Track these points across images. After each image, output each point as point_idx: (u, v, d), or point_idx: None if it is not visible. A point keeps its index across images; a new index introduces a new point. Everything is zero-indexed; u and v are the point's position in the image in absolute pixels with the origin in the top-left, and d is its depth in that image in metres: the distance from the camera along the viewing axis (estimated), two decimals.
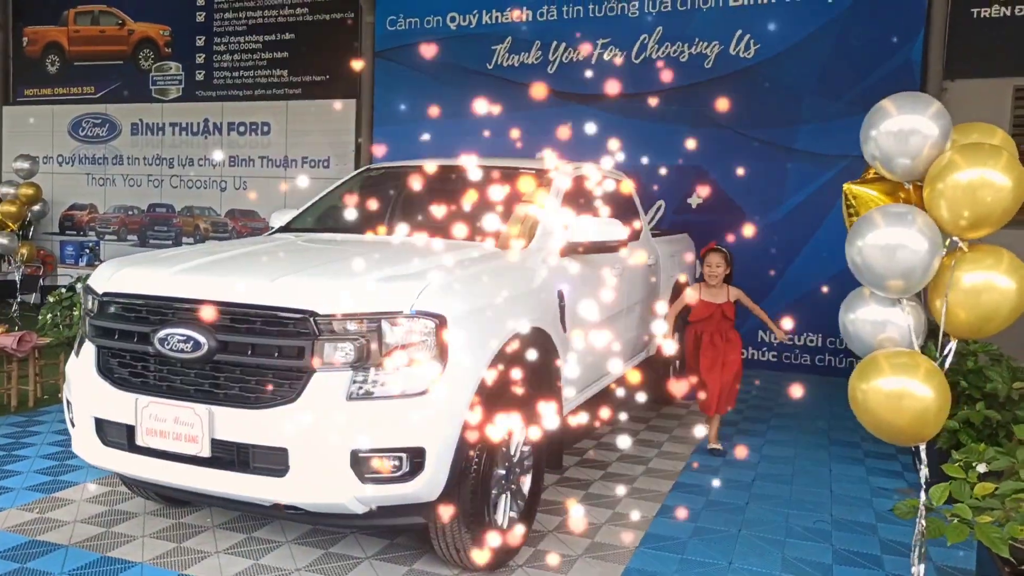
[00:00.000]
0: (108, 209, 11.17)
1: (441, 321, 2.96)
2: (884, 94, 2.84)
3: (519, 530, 3.55)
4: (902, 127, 2.53)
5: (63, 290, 6.45)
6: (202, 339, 2.94)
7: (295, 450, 2.85)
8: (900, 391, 2.38)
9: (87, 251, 11.22)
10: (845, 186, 2.80)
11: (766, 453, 5.30)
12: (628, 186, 5.87)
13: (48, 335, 5.87)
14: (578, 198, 4.78)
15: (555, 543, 3.76)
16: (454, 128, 8.98)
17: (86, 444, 3.26)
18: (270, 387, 2.90)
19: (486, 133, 8.91)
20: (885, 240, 2.44)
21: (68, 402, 3.41)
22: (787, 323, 7.52)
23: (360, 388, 2.88)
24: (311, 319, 2.87)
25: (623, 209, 5.72)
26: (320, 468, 2.86)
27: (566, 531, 3.89)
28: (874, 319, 2.55)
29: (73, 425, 3.34)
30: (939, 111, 2.52)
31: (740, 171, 8.08)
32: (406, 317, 2.92)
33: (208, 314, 2.92)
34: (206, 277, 3.14)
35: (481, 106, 8.95)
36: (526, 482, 3.67)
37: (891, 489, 4.66)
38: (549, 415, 3.82)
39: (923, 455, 2.63)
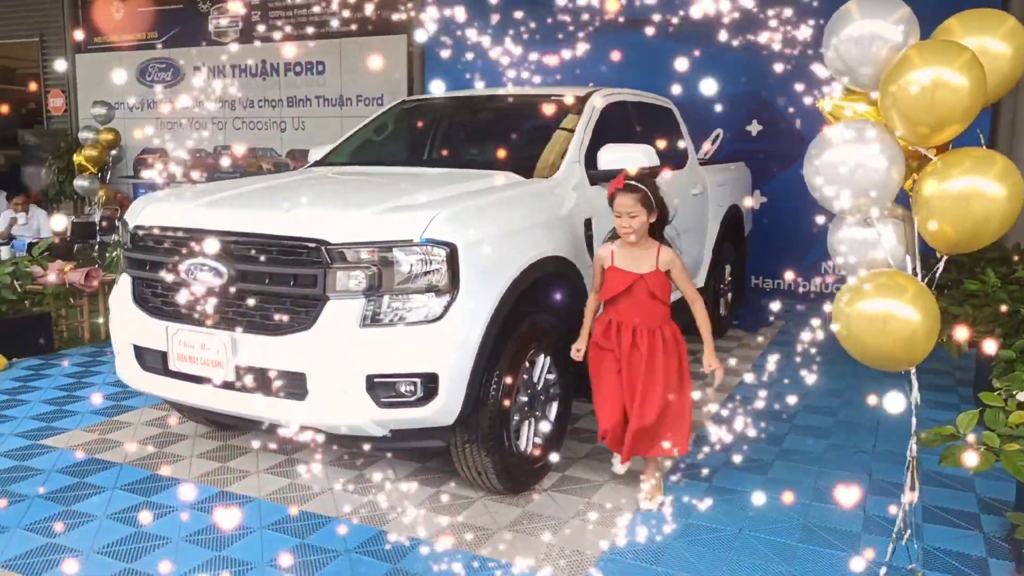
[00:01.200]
0: (177, 152, 11.54)
1: (452, 249, 2.96)
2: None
3: (544, 456, 3.60)
4: (863, 32, 2.31)
5: None
6: (223, 269, 3.04)
7: (313, 375, 2.94)
8: (884, 314, 2.24)
9: None
10: (818, 103, 2.62)
11: (815, 385, 5.17)
12: (672, 112, 5.68)
13: (114, 271, 6.18)
14: (616, 125, 4.65)
15: (584, 469, 3.80)
16: (506, 58, 8.82)
17: (127, 369, 3.46)
18: (287, 314, 2.99)
19: (538, 62, 8.72)
20: (839, 158, 2.27)
21: (113, 332, 3.60)
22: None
23: (373, 315, 2.94)
24: (323, 248, 2.93)
25: (667, 136, 5.54)
26: (337, 392, 2.95)
27: (596, 458, 3.92)
28: (859, 239, 2.39)
29: (117, 352, 3.54)
30: (906, 15, 2.30)
31: (804, 97, 7.69)
32: (417, 245, 2.94)
33: (227, 245, 3.01)
34: (226, 210, 3.23)
35: (533, 35, 8.75)
36: (552, 409, 3.70)
37: (942, 421, 4.48)
38: (575, 344, 3.81)
39: (914, 380, 2.51)
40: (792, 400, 4.84)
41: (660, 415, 3.25)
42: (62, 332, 6.02)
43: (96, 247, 9.77)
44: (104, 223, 10.09)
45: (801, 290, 8.04)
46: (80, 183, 10.11)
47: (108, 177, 10.75)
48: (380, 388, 2.94)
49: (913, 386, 2.48)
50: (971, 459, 2.46)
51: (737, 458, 3.95)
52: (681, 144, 5.68)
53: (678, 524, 3.26)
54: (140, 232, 3.36)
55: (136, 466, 3.79)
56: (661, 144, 5.27)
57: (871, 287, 2.23)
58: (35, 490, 3.50)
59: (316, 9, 10.18)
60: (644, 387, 3.24)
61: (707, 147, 8.27)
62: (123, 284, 3.48)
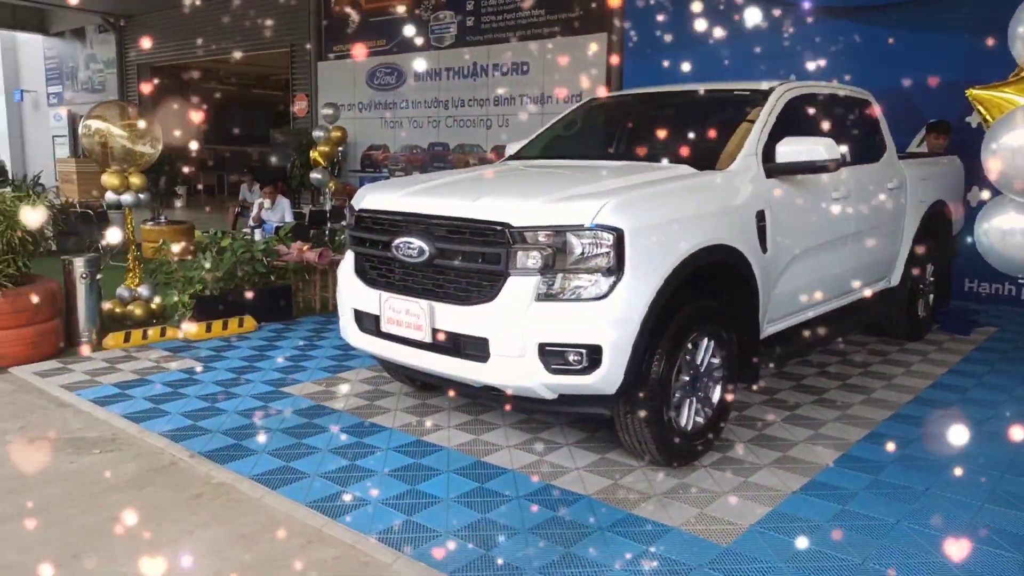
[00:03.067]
0: (397, 149, 12.77)
1: (619, 234, 3.27)
2: None
3: (704, 434, 3.80)
4: None
5: None
6: (424, 246, 3.58)
7: (494, 340, 3.39)
8: None
9: None
10: (968, 92, 2.56)
11: (1017, 393, 4.85)
12: (868, 104, 5.52)
13: (342, 251, 7.12)
14: (803, 119, 4.68)
15: (744, 452, 3.95)
16: (706, 54, 8.88)
17: (348, 330, 4.14)
18: (474, 287, 3.47)
19: (738, 57, 8.69)
20: (1020, 141, 2.23)
21: (339, 298, 4.31)
22: None
23: (546, 291, 3.33)
24: (507, 230, 3.36)
25: (861, 129, 5.42)
26: (514, 357, 3.37)
27: (760, 444, 4.04)
28: (1011, 228, 2.34)
29: (341, 315, 4.23)
30: None
31: None
32: (587, 230, 3.28)
33: (428, 227, 3.55)
34: (427, 198, 3.78)
35: (733, 29, 8.73)
36: (716, 392, 3.88)
37: None
38: (742, 331, 3.97)
39: None
40: (984, 406, 4.60)
41: None
42: (299, 302, 7.07)
43: (327, 232, 11.14)
44: (332, 211, 11.46)
45: None
46: (314, 176, 11.56)
47: (338, 171, 12.17)
48: (551, 355, 3.32)
49: None
50: None
51: (910, 455, 3.89)
52: (878, 137, 5.51)
53: (835, 508, 3.33)
54: (361, 215, 4.02)
55: (352, 414, 4.49)
56: (854, 137, 5.20)
57: None
58: (277, 425, 4.29)
59: (524, 12, 10.82)
60: None
61: (917, 140, 7.83)
62: (348, 259, 4.17)
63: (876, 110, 5.60)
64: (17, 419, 4.40)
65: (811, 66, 8.05)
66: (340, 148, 11.87)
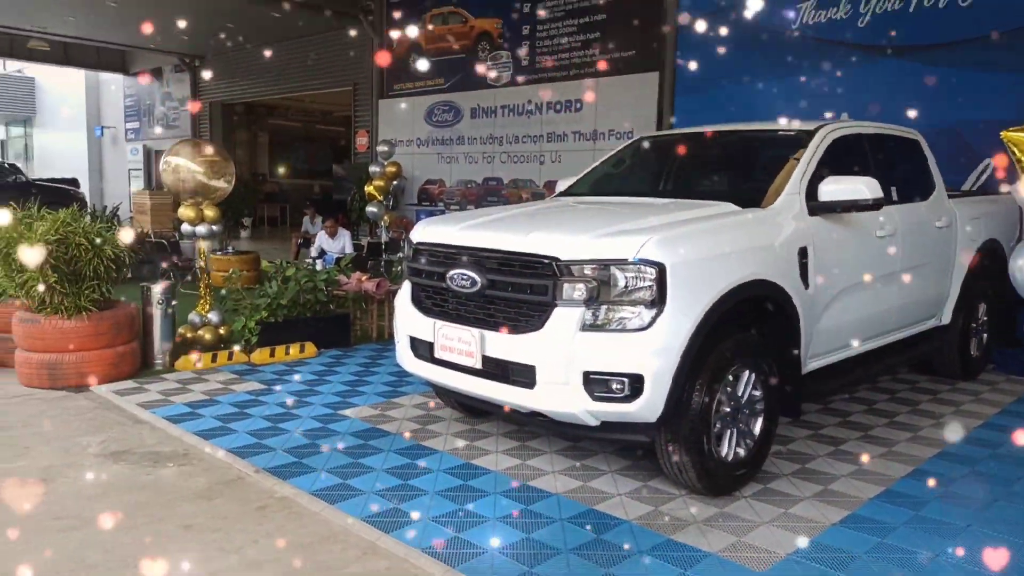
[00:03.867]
0: (453, 183, 13.15)
1: (661, 268, 3.44)
2: None
3: (745, 465, 3.89)
4: None
5: None
6: (477, 278, 3.80)
7: (541, 368, 3.58)
8: None
9: None
10: (1003, 134, 2.64)
11: None
12: (916, 143, 5.59)
13: (398, 282, 7.42)
14: (849, 158, 4.79)
15: (786, 484, 4.02)
16: (757, 93, 9.01)
17: (404, 356, 4.38)
18: (523, 317, 3.67)
19: (791, 96, 8.79)
20: None
21: (396, 326, 4.56)
22: None
23: (591, 321, 3.51)
24: (554, 263, 3.56)
25: (909, 168, 5.48)
26: (559, 384, 3.54)
27: (803, 477, 4.11)
28: None
29: (397, 342, 4.47)
30: None
31: None
32: (631, 264, 3.46)
33: (481, 259, 3.77)
34: (481, 232, 4.01)
35: (785, 68, 8.85)
36: (757, 424, 3.97)
37: None
38: (783, 365, 4.06)
39: None
40: None
41: None
42: (356, 330, 7.37)
43: (382, 263, 11.52)
44: (388, 243, 11.85)
45: None
46: (370, 209, 11.99)
47: (393, 204, 12.57)
48: (595, 383, 3.48)
49: None
50: None
51: (954, 492, 3.90)
52: (926, 176, 5.56)
53: (873, 541, 3.39)
54: (418, 248, 4.27)
55: (405, 436, 4.71)
56: (901, 176, 5.27)
57: None
58: (334, 446, 4.53)
59: (577, 52, 11.13)
60: None
61: (974, 178, 7.78)
62: (405, 288, 4.43)
63: (925, 149, 5.65)
64: (98, 434, 4.75)
65: (865, 103, 8.10)
66: (395, 182, 12.28)
